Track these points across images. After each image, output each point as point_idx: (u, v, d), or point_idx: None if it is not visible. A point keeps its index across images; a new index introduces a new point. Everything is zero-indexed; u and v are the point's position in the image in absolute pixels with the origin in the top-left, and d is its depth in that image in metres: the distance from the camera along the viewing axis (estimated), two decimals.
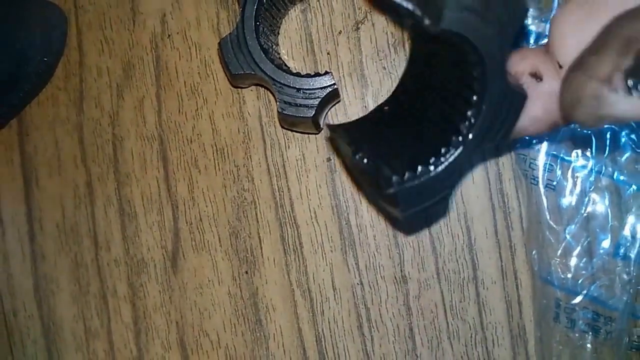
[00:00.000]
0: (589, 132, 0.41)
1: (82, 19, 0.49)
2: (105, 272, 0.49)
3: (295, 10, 0.46)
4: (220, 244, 0.48)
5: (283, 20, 0.46)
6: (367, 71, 0.46)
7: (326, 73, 0.40)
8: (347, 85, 0.46)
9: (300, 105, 0.40)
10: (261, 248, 0.47)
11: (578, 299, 0.43)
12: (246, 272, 0.47)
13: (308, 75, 0.40)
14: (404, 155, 0.30)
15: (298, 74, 0.40)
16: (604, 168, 0.42)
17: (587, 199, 0.42)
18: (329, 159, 0.47)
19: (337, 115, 0.46)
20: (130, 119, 0.48)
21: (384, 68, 0.46)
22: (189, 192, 0.48)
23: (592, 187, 0.42)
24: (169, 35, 0.48)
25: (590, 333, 0.43)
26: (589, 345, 0.43)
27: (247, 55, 0.40)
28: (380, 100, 0.45)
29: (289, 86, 0.40)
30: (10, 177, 0.50)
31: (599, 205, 0.43)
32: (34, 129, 0.50)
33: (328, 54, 0.46)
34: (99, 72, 0.49)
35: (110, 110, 0.49)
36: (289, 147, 0.47)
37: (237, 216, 0.47)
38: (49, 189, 0.50)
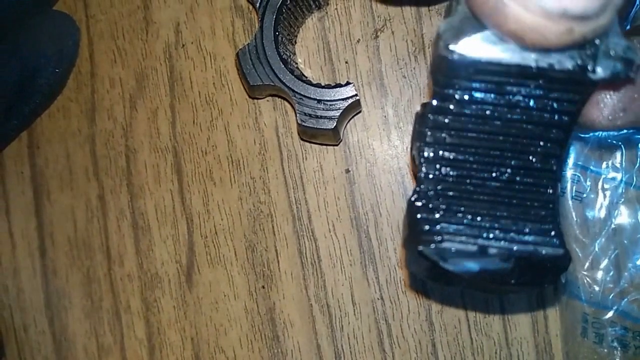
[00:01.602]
0: (619, 142, 0.40)
1: (94, 29, 0.48)
2: (118, 287, 0.48)
3: (312, 18, 0.45)
4: (236, 257, 0.46)
5: (300, 29, 0.45)
6: (387, 80, 0.45)
7: (348, 84, 0.39)
8: (366, 94, 0.45)
9: (321, 117, 0.39)
10: (278, 262, 0.46)
11: (607, 314, 0.42)
12: (263, 287, 0.46)
13: (329, 86, 0.39)
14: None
15: (319, 85, 0.39)
16: (634, 179, 0.41)
17: (616, 211, 0.41)
18: (347, 170, 0.45)
19: (356, 126, 0.45)
20: (144, 131, 0.47)
21: (404, 77, 0.45)
22: (203, 205, 0.47)
23: (622, 199, 0.41)
24: (183, 45, 0.47)
25: (619, 348, 0.42)
26: None
27: (267, 66, 0.39)
28: (400, 110, 0.45)
29: (310, 97, 0.39)
30: (20, 191, 0.49)
31: (628, 217, 0.41)
32: (45, 141, 0.48)
33: (346, 62, 0.45)
34: (112, 82, 0.48)
35: (123, 122, 0.48)
36: (306, 158, 0.46)
37: (254, 229, 0.46)
38: (60, 202, 0.48)
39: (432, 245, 0.24)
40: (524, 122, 0.24)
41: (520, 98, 0.23)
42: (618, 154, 0.41)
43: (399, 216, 0.45)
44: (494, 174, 0.24)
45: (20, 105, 0.45)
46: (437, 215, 0.24)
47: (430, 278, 0.27)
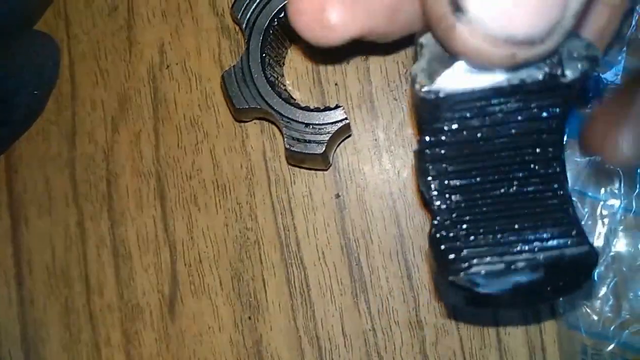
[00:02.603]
0: (617, 167, 0.39)
1: (75, 50, 0.46)
2: (98, 318, 0.46)
3: (301, 40, 0.44)
4: (221, 287, 0.44)
5: (288, 50, 0.43)
6: (378, 103, 0.43)
7: (337, 107, 0.38)
8: (356, 117, 0.43)
9: (310, 141, 0.37)
10: (265, 291, 0.44)
11: (608, 347, 0.40)
12: (249, 318, 0.44)
13: (317, 110, 0.38)
14: None
15: (307, 108, 0.38)
16: (633, 205, 0.39)
17: (614, 238, 0.40)
18: (337, 195, 0.44)
19: (346, 149, 0.44)
20: (126, 154, 0.46)
21: (395, 99, 0.43)
22: (187, 232, 0.45)
23: (621, 226, 0.39)
24: (167, 66, 0.45)
25: None
26: None
27: (253, 89, 0.38)
28: (392, 133, 0.43)
29: (297, 121, 0.37)
30: None
31: (627, 245, 0.40)
32: (24, 165, 0.47)
33: (336, 84, 0.44)
34: (93, 105, 0.46)
35: (104, 145, 0.46)
36: (294, 182, 0.44)
37: (240, 257, 0.44)
38: (38, 229, 0.46)
39: (462, 274, 0.24)
40: (517, 135, 0.24)
41: (505, 115, 0.24)
42: (616, 180, 0.39)
43: (391, 243, 0.43)
44: (502, 190, 0.25)
45: None
46: (459, 243, 0.24)
47: (469, 304, 0.27)
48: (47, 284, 0.46)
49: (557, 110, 0.24)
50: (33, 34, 0.45)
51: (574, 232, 0.25)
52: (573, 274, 0.25)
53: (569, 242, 0.25)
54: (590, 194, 0.40)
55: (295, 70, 0.44)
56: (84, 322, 0.46)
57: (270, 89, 0.38)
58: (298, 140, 0.37)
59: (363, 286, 0.43)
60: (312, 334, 0.44)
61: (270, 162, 0.44)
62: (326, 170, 0.43)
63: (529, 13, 0.19)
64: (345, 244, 0.44)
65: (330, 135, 0.37)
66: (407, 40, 0.25)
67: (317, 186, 0.44)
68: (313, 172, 0.44)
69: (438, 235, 0.25)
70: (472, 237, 0.25)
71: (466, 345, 0.43)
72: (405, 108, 0.43)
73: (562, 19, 0.20)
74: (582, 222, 0.39)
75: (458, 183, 0.25)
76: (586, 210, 0.40)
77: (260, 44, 0.38)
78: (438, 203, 0.25)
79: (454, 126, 0.24)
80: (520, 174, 0.25)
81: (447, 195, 0.25)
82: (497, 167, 0.25)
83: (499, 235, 0.25)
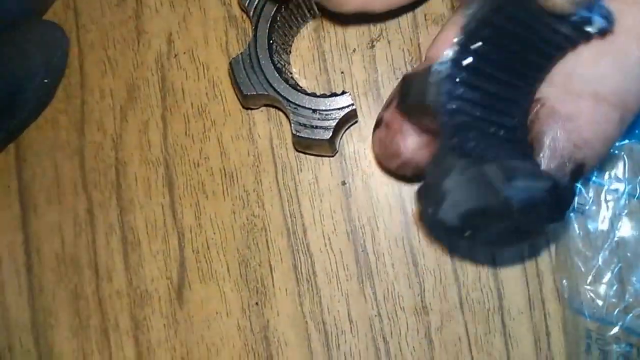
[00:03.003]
0: (621, 152, 0.39)
1: (84, 39, 0.47)
2: (107, 304, 0.46)
3: (307, 28, 0.44)
4: (229, 273, 0.45)
5: (295, 38, 0.44)
6: (384, 90, 0.44)
7: (343, 93, 0.38)
8: (362, 105, 0.44)
9: (317, 127, 0.38)
10: (272, 278, 0.45)
11: (612, 331, 0.40)
12: (256, 304, 0.45)
13: (324, 96, 0.38)
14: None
15: (314, 94, 0.38)
16: (637, 190, 0.40)
17: (619, 223, 0.40)
18: (343, 183, 0.44)
19: (352, 137, 0.44)
20: (134, 143, 0.46)
21: None
22: (195, 219, 0.45)
23: (625, 211, 0.40)
24: (175, 55, 0.46)
25: None
26: None
27: (260, 75, 0.38)
28: None
29: (305, 107, 0.38)
30: (6, 205, 0.47)
31: (632, 230, 0.40)
32: (33, 154, 0.47)
33: (342, 73, 0.44)
34: (102, 93, 0.47)
35: (113, 134, 0.46)
36: (301, 170, 0.45)
37: (247, 244, 0.45)
38: (47, 217, 0.47)
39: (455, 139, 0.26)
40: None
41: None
42: (620, 165, 0.40)
43: (397, 229, 0.44)
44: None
45: (8, 117, 0.44)
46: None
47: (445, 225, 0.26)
48: (57, 271, 0.47)
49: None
50: (42, 23, 0.45)
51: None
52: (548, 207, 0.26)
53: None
54: (594, 178, 0.40)
55: (302, 59, 0.44)
56: (93, 308, 0.46)
57: (277, 75, 0.38)
58: (305, 126, 0.38)
59: (369, 272, 0.44)
60: (319, 319, 0.44)
61: (277, 149, 0.45)
62: (333, 156, 0.44)
63: None
64: (351, 231, 0.44)
65: (337, 120, 0.38)
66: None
67: (324, 173, 0.44)
68: (319, 159, 0.44)
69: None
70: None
71: (471, 331, 0.43)
72: None
73: None
74: (587, 207, 0.39)
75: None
76: (590, 195, 0.40)
77: (267, 30, 0.38)
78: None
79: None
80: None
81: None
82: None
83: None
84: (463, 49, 0.26)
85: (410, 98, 0.27)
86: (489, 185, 0.24)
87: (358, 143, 0.44)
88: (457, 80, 0.26)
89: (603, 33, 0.26)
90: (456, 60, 0.26)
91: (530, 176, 0.25)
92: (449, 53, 0.26)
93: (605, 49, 0.27)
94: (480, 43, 0.26)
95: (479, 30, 0.26)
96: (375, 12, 0.31)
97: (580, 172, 0.27)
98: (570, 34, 0.26)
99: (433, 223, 0.25)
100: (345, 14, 0.35)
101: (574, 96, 0.27)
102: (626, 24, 0.26)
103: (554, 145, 0.27)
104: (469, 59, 0.26)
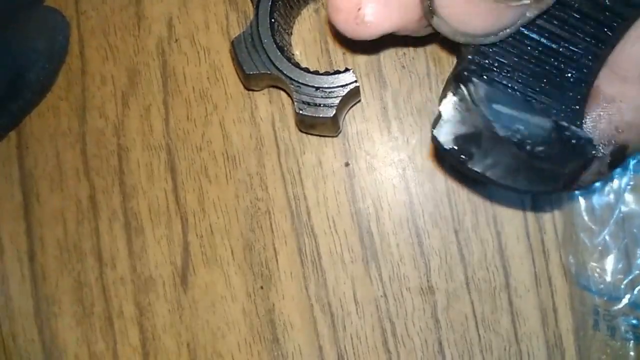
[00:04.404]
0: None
1: (85, 26, 0.47)
2: (111, 291, 0.46)
3: (308, 9, 0.44)
4: (233, 257, 0.45)
5: (296, 20, 0.44)
6: (386, 70, 0.44)
7: (346, 70, 0.38)
8: (364, 85, 0.44)
9: (320, 105, 0.38)
10: (277, 261, 0.44)
11: (618, 306, 0.40)
12: (261, 287, 0.44)
13: (327, 73, 0.38)
14: None
15: (317, 72, 0.38)
16: None
17: (623, 198, 0.40)
18: (347, 164, 0.44)
19: (354, 117, 0.44)
20: (136, 128, 0.46)
21: (403, 67, 0.44)
22: (199, 203, 0.45)
23: (630, 185, 0.40)
24: (176, 40, 0.46)
25: (632, 341, 0.40)
26: (631, 354, 0.40)
27: (263, 54, 0.38)
28: (400, 101, 0.44)
29: (308, 85, 0.38)
30: (8, 193, 0.47)
31: (637, 205, 0.40)
32: (34, 141, 0.47)
33: (344, 54, 0.44)
34: (103, 80, 0.47)
35: (114, 120, 0.46)
36: (304, 152, 0.45)
37: (251, 227, 0.45)
38: (50, 204, 0.47)
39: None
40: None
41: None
42: None
43: (401, 210, 0.44)
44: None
45: (10, 102, 0.43)
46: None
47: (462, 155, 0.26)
48: (59, 259, 0.47)
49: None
50: (44, 9, 0.45)
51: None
52: (568, 155, 0.25)
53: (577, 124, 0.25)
54: None
55: (303, 40, 0.44)
56: (96, 295, 0.46)
57: (280, 54, 0.38)
58: (308, 104, 0.38)
59: (374, 253, 0.44)
60: (324, 301, 0.44)
61: (280, 132, 0.45)
62: (336, 136, 0.44)
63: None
64: (355, 212, 0.44)
65: (341, 98, 0.38)
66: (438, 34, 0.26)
67: (327, 155, 0.44)
68: (322, 141, 0.44)
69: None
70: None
71: (478, 310, 0.43)
72: (413, 76, 0.44)
73: None
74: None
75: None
76: None
77: (269, 9, 0.38)
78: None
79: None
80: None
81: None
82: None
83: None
84: None
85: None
86: (474, 107, 0.25)
87: (361, 124, 0.44)
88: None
89: None
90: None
91: (521, 106, 0.25)
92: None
93: None
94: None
95: None
96: (410, 35, 0.28)
97: (622, 154, 0.27)
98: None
99: (433, 142, 0.26)
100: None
101: (620, 77, 0.26)
102: None
103: (595, 126, 0.26)
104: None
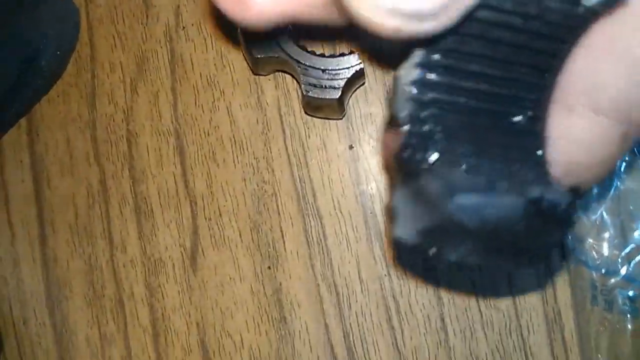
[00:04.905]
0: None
1: (94, 14, 0.48)
2: (121, 273, 0.47)
3: None
4: (241, 239, 0.46)
5: None
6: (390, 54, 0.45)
7: (351, 52, 0.39)
8: (368, 70, 0.45)
9: (326, 87, 0.39)
10: (284, 242, 0.46)
11: (614, 280, 0.42)
12: (269, 268, 0.46)
13: (333, 56, 0.39)
14: None
15: (322, 55, 0.39)
16: (638, 144, 0.41)
17: (621, 175, 0.41)
18: (351, 147, 0.45)
19: (358, 101, 0.45)
20: (145, 114, 0.47)
21: None
22: (207, 187, 0.46)
23: (625, 163, 0.41)
24: (183, 27, 0.47)
25: (629, 314, 0.42)
26: (629, 327, 0.42)
27: (271, 38, 0.39)
28: None
29: (315, 67, 0.39)
30: (19, 179, 0.48)
31: (633, 182, 0.42)
32: (45, 127, 0.48)
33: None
34: (112, 67, 0.48)
35: (124, 106, 0.47)
36: (309, 136, 0.46)
37: (258, 210, 0.46)
38: (60, 189, 0.48)
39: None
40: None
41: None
42: None
43: None
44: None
45: (21, 88, 0.45)
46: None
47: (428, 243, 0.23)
48: (70, 243, 0.48)
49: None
50: None
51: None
52: (549, 224, 0.22)
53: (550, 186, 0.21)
54: None
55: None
56: (107, 278, 0.47)
57: (287, 37, 0.39)
58: (315, 86, 0.39)
59: (377, 233, 0.45)
60: (330, 281, 0.45)
61: (285, 116, 0.46)
62: (341, 119, 0.45)
63: None
64: (359, 194, 0.45)
65: (346, 80, 0.39)
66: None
67: (331, 138, 0.46)
68: (327, 125, 0.46)
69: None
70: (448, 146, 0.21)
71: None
72: None
73: None
74: None
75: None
76: None
77: None
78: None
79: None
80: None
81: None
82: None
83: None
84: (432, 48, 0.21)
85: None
86: (432, 202, 0.21)
87: (364, 108, 0.45)
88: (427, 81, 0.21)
89: (610, 5, 0.20)
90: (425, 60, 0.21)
91: (486, 191, 0.21)
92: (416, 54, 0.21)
93: (606, 47, 0.21)
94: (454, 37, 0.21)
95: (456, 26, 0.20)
96: (319, 24, 0.23)
97: (576, 194, 0.22)
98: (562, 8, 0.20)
99: (394, 241, 0.23)
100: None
101: (567, 109, 0.22)
102: (636, 9, 0.20)
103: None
104: (437, 56, 0.21)
